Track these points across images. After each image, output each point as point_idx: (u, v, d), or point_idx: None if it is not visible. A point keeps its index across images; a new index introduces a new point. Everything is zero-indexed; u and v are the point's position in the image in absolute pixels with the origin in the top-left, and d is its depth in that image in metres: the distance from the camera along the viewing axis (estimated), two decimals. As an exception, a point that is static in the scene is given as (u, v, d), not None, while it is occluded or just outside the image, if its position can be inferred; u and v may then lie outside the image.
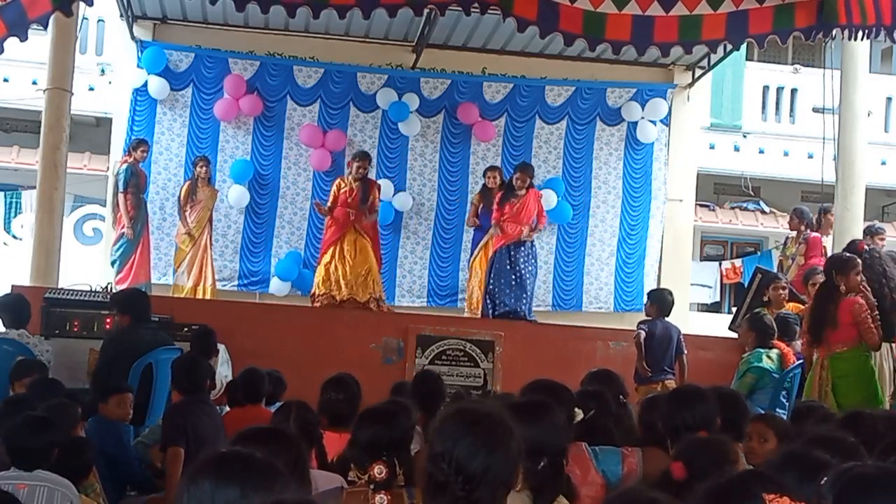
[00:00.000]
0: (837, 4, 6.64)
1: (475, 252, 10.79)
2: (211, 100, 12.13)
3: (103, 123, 13.45)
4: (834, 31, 6.79)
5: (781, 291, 8.80)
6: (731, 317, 10.41)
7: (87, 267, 11.68)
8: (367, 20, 8.87)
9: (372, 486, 3.15)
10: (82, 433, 4.87)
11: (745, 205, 16.70)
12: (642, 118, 12.72)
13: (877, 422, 3.97)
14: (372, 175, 10.91)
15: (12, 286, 8.64)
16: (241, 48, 12.28)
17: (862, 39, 7.39)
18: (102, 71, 13.87)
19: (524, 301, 9.83)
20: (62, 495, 3.94)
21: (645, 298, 9.14)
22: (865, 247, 7.48)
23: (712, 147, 15.64)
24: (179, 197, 11.14)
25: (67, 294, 8.48)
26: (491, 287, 9.86)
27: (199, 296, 10.79)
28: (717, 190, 16.93)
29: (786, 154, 15.90)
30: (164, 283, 11.15)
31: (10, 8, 5.27)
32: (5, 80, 14.17)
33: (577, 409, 3.60)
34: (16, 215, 14.65)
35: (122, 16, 11.95)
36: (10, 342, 6.82)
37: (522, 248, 9.92)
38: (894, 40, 7.06)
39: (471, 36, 12.30)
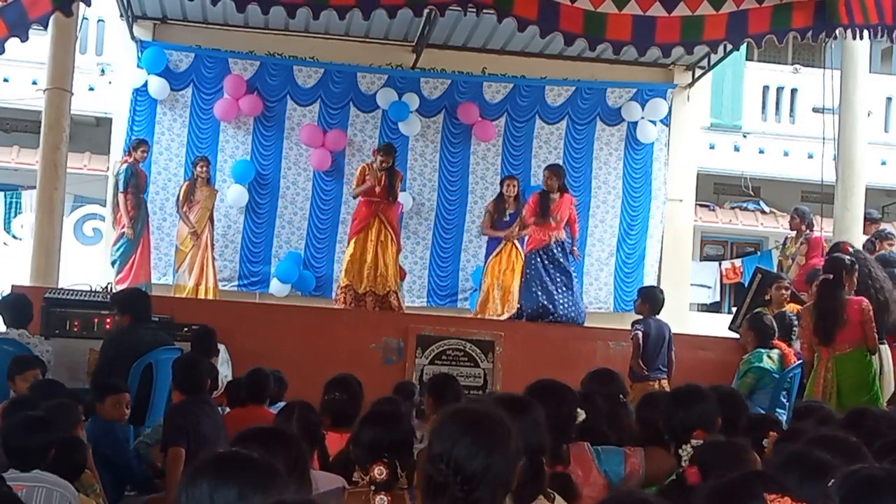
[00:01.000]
0: (838, 4, 6.64)
1: (491, 254, 10.70)
2: (211, 100, 12.13)
3: (103, 123, 13.44)
4: (836, 31, 6.79)
5: (784, 291, 8.81)
6: (731, 317, 10.40)
7: (87, 267, 11.68)
8: (366, 20, 8.86)
9: (373, 488, 3.15)
10: (83, 433, 4.86)
11: (745, 205, 16.69)
12: (642, 118, 12.73)
13: (879, 420, 3.97)
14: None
15: (12, 286, 8.64)
16: (241, 48, 12.28)
17: (863, 39, 7.39)
18: (102, 71, 13.87)
19: (564, 303, 9.64)
20: (60, 496, 3.93)
21: (636, 297, 9.07)
22: (850, 248, 7.50)
23: (712, 147, 15.63)
24: (178, 197, 11.13)
25: (67, 294, 8.47)
26: (524, 296, 9.69)
27: (201, 296, 10.78)
28: (717, 190, 16.93)
29: (786, 154, 15.90)
30: (165, 283, 11.15)
31: (12, 8, 5.27)
32: (5, 80, 14.17)
33: (579, 410, 3.59)
34: (16, 215, 14.65)
35: (122, 16, 11.95)
36: (10, 342, 6.82)
37: (551, 252, 9.69)
38: (893, 40, 7.06)
39: (471, 36, 12.30)
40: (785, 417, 7.36)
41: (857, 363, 6.90)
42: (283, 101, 12.36)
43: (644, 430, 4.21)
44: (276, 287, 12.04)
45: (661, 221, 12.89)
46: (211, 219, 11.18)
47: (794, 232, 10.43)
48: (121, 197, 10.65)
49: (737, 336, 9.09)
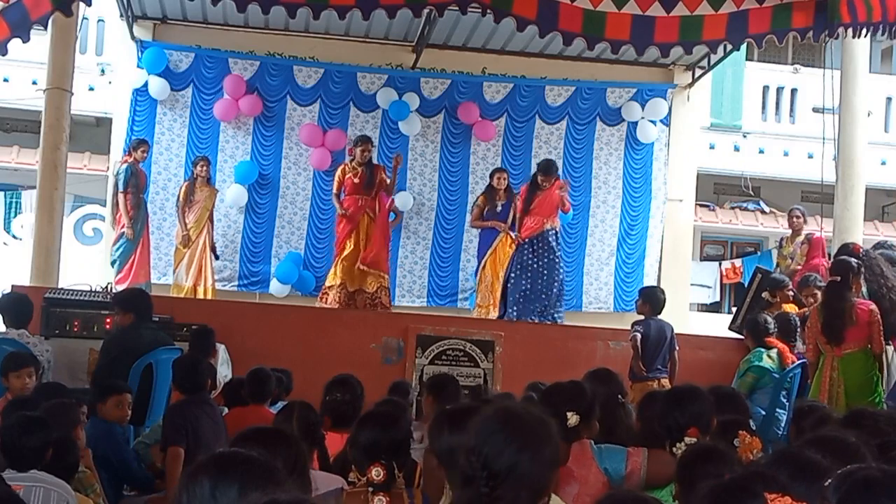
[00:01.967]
0: (840, 3, 6.64)
1: (486, 253, 10.71)
2: (211, 100, 12.13)
3: (103, 123, 13.44)
4: (838, 31, 6.79)
5: (790, 293, 8.90)
6: (730, 317, 10.40)
7: (87, 267, 11.68)
8: (366, 21, 8.86)
9: (371, 488, 3.15)
10: (83, 434, 4.86)
11: (745, 205, 16.69)
12: (642, 118, 12.73)
13: (879, 420, 3.97)
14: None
15: (12, 286, 8.63)
16: (241, 48, 12.28)
17: (866, 36, 7.38)
18: (102, 71, 13.86)
19: (546, 298, 9.71)
20: (58, 496, 3.93)
21: (637, 297, 9.08)
22: (860, 249, 7.51)
23: (712, 147, 15.63)
24: (178, 198, 11.13)
25: (67, 294, 8.46)
26: (511, 285, 9.77)
27: (199, 296, 10.78)
28: (717, 190, 16.93)
29: (786, 154, 15.89)
30: (164, 283, 11.14)
31: (13, 9, 5.28)
32: (5, 80, 14.16)
33: (569, 413, 3.60)
34: (16, 215, 14.65)
35: (122, 16, 11.95)
36: (9, 342, 6.81)
37: (544, 240, 9.76)
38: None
39: (471, 36, 12.30)
40: (785, 417, 7.39)
41: (861, 363, 6.94)
42: (283, 101, 12.35)
43: (645, 430, 4.21)
44: (276, 287, 12.03)
45: (661, 221, 12.89)
46: (211, 219, 11.17)
47: (791, 231, 10.44)
48: (121, 197, 10.65)
49: (737, 336, 9.10)
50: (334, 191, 10.45)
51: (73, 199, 13.73)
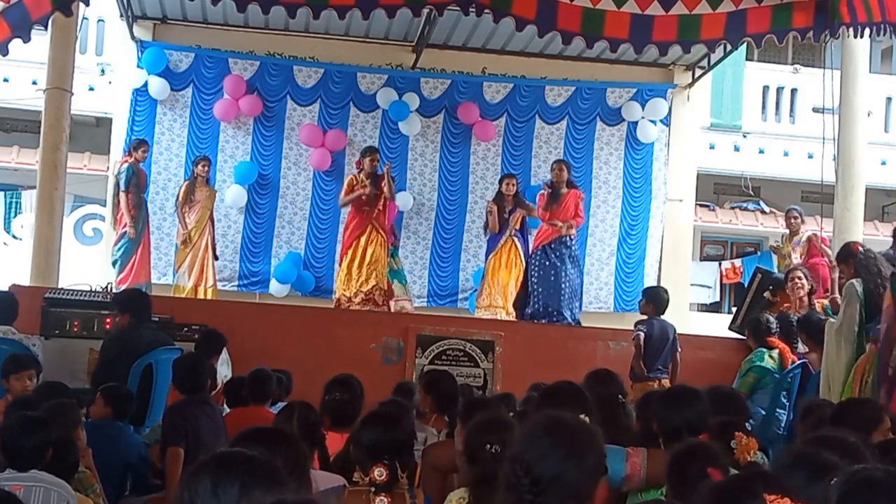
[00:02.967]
0: (840, 3, 6.65)
1: (491, 252, 10.69)
2: (211, 100, 12.13)
3: (103, 123, 13.44)
4: (839, 30, 6.79)
5: (798, 281, 8.83)
6: (731, 317, 10.40)
7: (87, 267, 11.68)
8: (366, 20, 8.86)
9: (373, 488, 3.15)
10: (83, 434, 4.86)
11: (745, 205, 16.68)
12: (642, 118, 12.74)
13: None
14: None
15: (11, 286, 8.63)
16: (241, 48, 12.28)
17: (865, 37, 7.38)
18: (102, 71, 13.85)
19: (563, 300, 9.71)
20: (58, 495, 3.93)
21: (640, 297, 9.08)
22: (860, 248, 7.49)
23: (712, 147, 15.62)
24: (178, 198, 11.12)
25: (67, 294, 8.46)
26: (531, 289, 9.78)
27: (200, 296, 10.77)
28: (717, 190, 16.92)
29: (786, 154, 15.88)
30: (165, 283, 11.14)
31: (14, 9, 5.28)
32: (5, 80, 14.15)
33: (581, 416, 3.60)
34: (16, 215, 14.63)
35: (122, 16, 11.96)
36: (8, 342, 6.79)
37: (559, 247, 9.78)
38: (896, 36, 7.07)
39: (471, 36, 12.30)
40: (785, 417, 7.39)
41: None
42: (283, 101, 12.36)
43: (645, 430, 4.21)
44: (276, 287, 12.04)
45: (661, 221, 12.89)
46: (211, 219, 11.16)
47: (788, 231, 10.45)
48: (122, 196, 10.64)
49: (737, 336, 9.10)
50: (342, 196, 10.38)
51: (73, 199, 13.72)
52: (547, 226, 9.86)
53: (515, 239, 10.44)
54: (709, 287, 16.35)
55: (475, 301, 11.10)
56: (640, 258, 12.83)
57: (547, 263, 9.73)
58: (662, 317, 8.52)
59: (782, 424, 7.42)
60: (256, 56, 12.26)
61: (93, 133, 14.28)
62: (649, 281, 12.49)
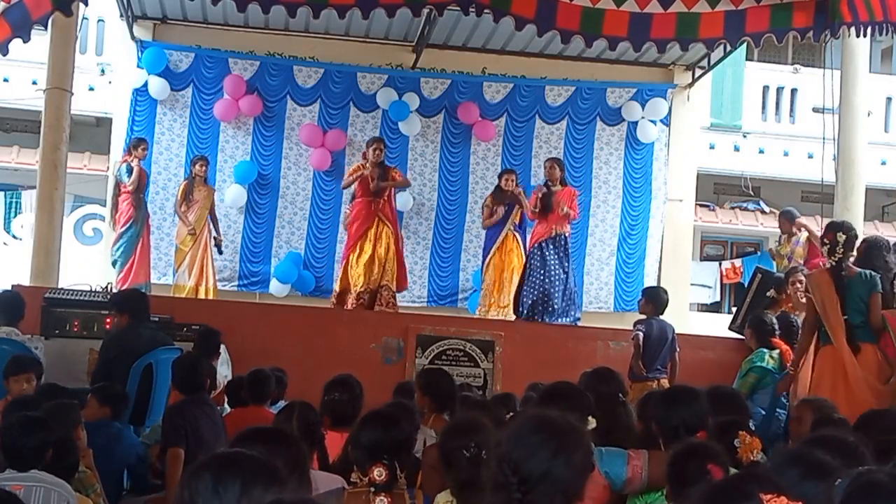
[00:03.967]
0: (840, 2, 6.65)
1: (490, 252, 10.69)
2: (211, 100, 12.14)
3: (103, 123, 13.44)
4: (839, 30, 6.79)
5: (799, 284, 8.84)
6: (730, 317, 10.40)
7: (87, 267, 11.67)
8: (366, 20, 8.86)
9: (372, 489, 3.15)
10: (83, 434, 4.86)
11: (745, 205, 16.68)
12: (642, 118, 12.74)
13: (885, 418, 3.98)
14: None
15: (12, 286, 8.63)
16: (241, 48, 12.28)
17: (866, 36, 7.39)
18: (102, 71, 13.85)
19: (558, 296, 9.71)
20: (58, 495, 3.93)
21: (640, 296, 9.08)
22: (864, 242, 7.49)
23: (712, 147, 15.62)
24: (176, 197, 11.12)
25: (67, 294, 8.45)
26: (526, 287, 9.78)
27: (201, 296, 10.77)
28: (717, 190, 16.92)
29: (786, 154, 15.88)
30: (165, 283, 11.14)
31: (15, 9, 5.29)
32: (5, 80, 14.15)
33: (590, 418, 3.60)
34: (16, 215, 14.64)
35: (122, 16, 11.96)
36: (8, 342, 6.79)
37: (554, 244, 9.76)
38: (898, 36, 7.08)
39: (471, 36, 12.30)
40: (785, 417, 7.38)
41: None
42: (283, 101, 12.36)
43: (647, 431, 4.21)
44: (276, 287, 12.04)
45: (661, 221, 12.90)
46: (213, 217, 11.15)
47: (786, 235, 10.47)
48: (122, 187, 10.65)
49: (737, 336, 9.09)
50: (345, 180, 10.33)
51: (73, 199, 13.72)
52: (542, 225, 9.82)
53: (516, 234, 10.45)
54: (709, 287, 16.35)
55: (479, 301, 11.10)
56: (640, 258, 12.84)
57: (542, 260, 9.73)
58: (662, 317, 8.51)
59: (782, 424, 7.41)
60: (256, 56, 12.26)
61: (93, 133, 14.29)
62: (649, 281, 12.49)
